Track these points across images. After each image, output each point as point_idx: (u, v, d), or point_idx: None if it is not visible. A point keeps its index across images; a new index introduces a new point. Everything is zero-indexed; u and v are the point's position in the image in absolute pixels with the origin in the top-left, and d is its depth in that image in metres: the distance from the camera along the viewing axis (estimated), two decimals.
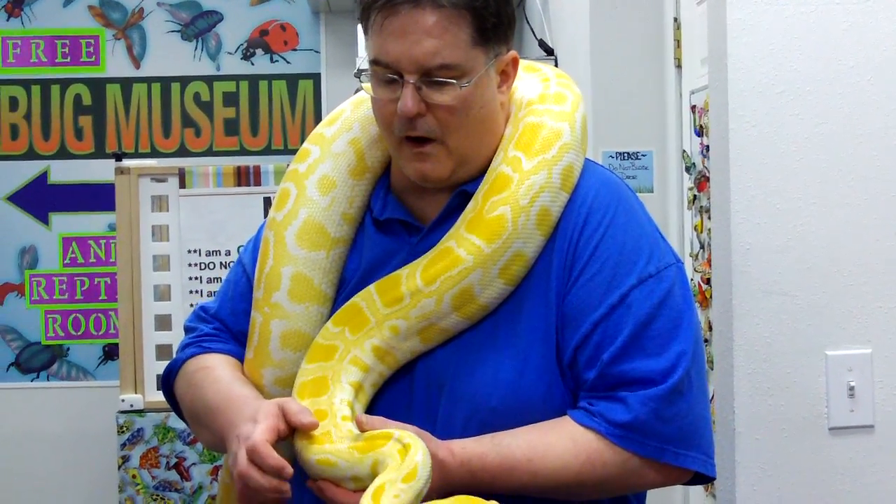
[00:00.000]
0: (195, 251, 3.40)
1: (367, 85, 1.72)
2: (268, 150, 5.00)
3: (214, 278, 3.40)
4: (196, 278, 3.40)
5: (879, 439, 2.12)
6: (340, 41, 4.84)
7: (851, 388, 2.12)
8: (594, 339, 1.66)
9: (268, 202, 3.41)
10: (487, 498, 1.49)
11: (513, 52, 1.74)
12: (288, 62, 4.98)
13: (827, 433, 2.13)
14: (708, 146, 2.52)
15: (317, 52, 4.96)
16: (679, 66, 3.27)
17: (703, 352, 1.74)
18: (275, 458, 1.55)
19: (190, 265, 3.40)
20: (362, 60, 1.77)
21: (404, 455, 1.53)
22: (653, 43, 3.46)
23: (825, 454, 2.12)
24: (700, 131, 3.01)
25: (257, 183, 3.44)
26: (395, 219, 1.78)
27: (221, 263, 3.41)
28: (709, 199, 2.26)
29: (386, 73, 1.67)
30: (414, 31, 1.64)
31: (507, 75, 1.75)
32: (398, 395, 1.72)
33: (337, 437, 1.60)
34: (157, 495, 3.36)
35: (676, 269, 1.74)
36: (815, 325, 2.12)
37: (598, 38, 3.41)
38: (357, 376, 1.68)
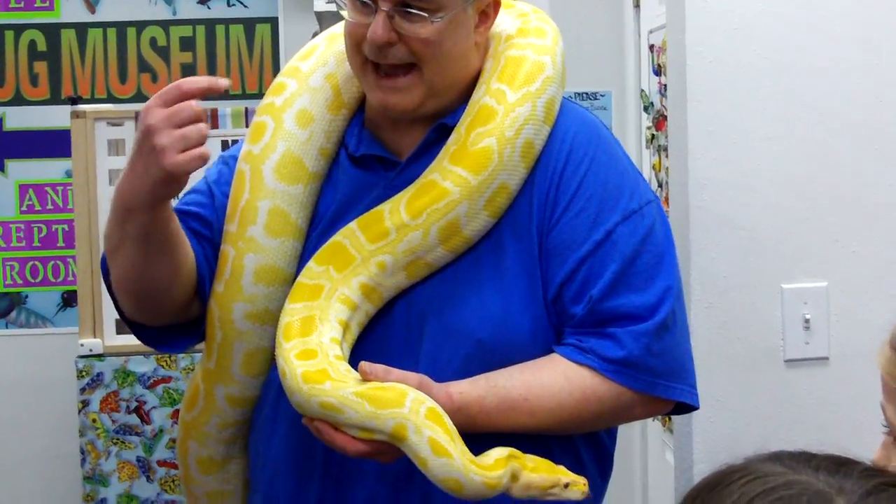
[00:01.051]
0: None
1: (341, 22, 1.71)
2: (225, 95, 4.95)
3: None
4: None
5: (834, 371, 2.15)
6: None
7: (807, 321, 2.15)
8: (581, 274, 1.67)
9: (225, 145, 3.39)
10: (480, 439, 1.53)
11: None
12: (245, 6, 4.94)
13: (783, 365, 2.16)
14: (666, 85, 2.52)
15: None
16: (637, 6, 3.27)
17: (682, 286, 1.76)
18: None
19: None
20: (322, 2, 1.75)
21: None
22: None
23: (781, 386, 2.15)
24: (658, 70, 3.02)
25: (214, 126, 3.41)
26: (371, 154, 1.77)
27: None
28: (667, 137, 2.27)
29: None
30: None
31: (486, 16, 1.73)
32: (377, 329, 1.72)
33: (336, 376, 1.58)
34: (118, 439, 3.36)
35: (656, 205, 1.75)
36: (771, 259, 2.15)
37: None
38: (345, 314, 1.67)
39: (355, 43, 1.68)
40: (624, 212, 1.70)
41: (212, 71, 4.98)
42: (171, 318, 1.80)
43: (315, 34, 4.72)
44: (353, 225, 1.70)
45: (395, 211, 1.68)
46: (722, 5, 2.14)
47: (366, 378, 1.58)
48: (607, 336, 1.66)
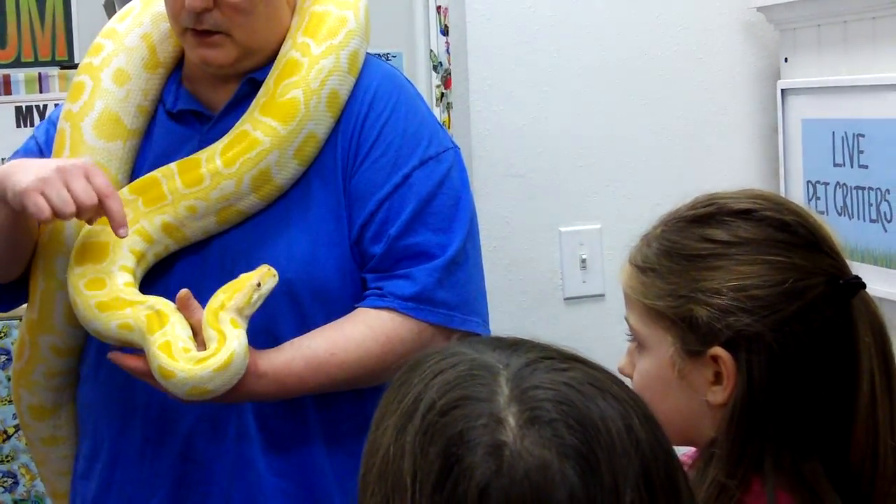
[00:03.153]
0: None
1: None
2: (17, 63, 4.87)
3: None
4: None
5: (609, 306, 2.31)
6: None
7: (583, 261, 2.29)
8: (379, 216, 1.74)
9: (19, 111, 3.36)
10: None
11: None
12: None
13: (562, 303, 2.30)
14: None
15: None
16: None
17: (478, 229, 1.86)
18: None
19: None
20: None
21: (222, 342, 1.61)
22: None
23: (561, 321, 2.29)
24: (445, 30, 3.13)
25: (7, 92, 3.38)
26: (188, 109, 1.81)
27: None
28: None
29: None
30: None
31: None
32: (192, 272, 1.76)
33: (127, 301, 1.66)
34: None
35: (454, 153, 1.84)
36: (549, 204, 2.28)
37: None
38: (140, 246, 1.72)
39: (175, 13, 1.73)
40: (422, 157, 1.77)
41: (1, 39, 4.88)
42: (7, 280, 1.83)
43: (108, 1, 4.68)
44: (172, 166, 1.75)
45: (211, 159, 1.73)
46: None
47: (183, 304, 1.65)
48: (402, 276, 1.74)
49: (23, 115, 3.35)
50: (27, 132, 3.32)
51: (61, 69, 3.58)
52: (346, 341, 1.71)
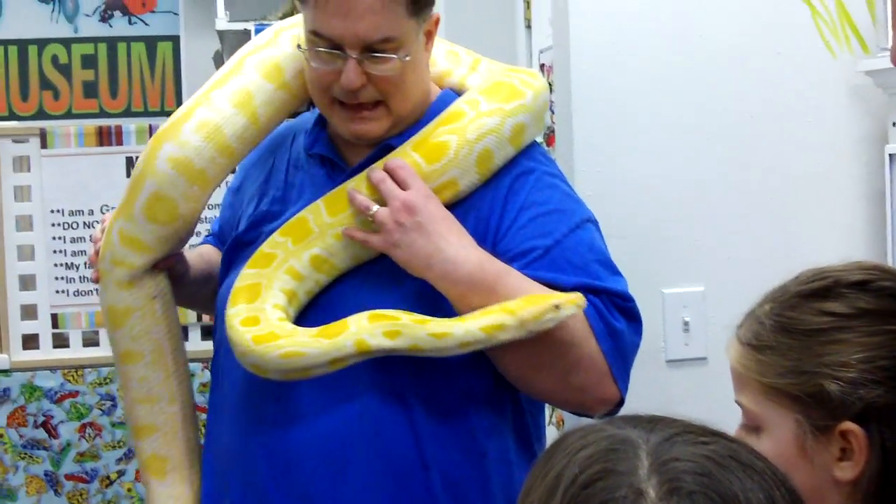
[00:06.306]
0: (58, 211, 3.42)
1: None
2: (128, 112, 5.00)
3: (78, 238, 3.43)
4: (60, 238, 3.43)
5: (711, 370, 2.29)
6: (198, 2, 4.86)
7: (686, 323, 2.28)
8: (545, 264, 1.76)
9: (130, 162, 3.45)
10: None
11: (436, 14, 1.84)
12: (146, 24, 4.98)
13: (664, 365, 2.29)
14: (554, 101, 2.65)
15: (175, 14, 4.97)
16: (529, 27, 3.40)
17: None
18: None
19: (53, 225, 3.42)
20: (257, 24, 1.86)
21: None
22: (504, 4, 3.59)
23: (663, 384, 2.28)
24: (549, 89, 3.15)
25: (119, 143, 3.46)
26: (324, 156, 1.89)
27: (85, 223, 3.43)
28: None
29: (327, 47, 1.75)
30: (356, 7, 1.71)
31: (430, 34, 1.85)
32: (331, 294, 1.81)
33: (284, 333, 1.70)
34: (25, 453, 3.39)
35: (596, 224, 1.88)
36: (652, 265, 2.28)
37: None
38: (290, 284, 1.78)
39: (324, 87, 1.79)
40: (570, 226, 1.81)
41: (113, 88, 5.01)
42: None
43: (217, 52, 4.78)
44: (319, 202, 1.81)
45: (359, 189, 1.78)
46: (605, 26, 2.27)
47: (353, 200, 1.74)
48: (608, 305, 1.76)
49: (133, 166, 3.44)
50: None
51: None
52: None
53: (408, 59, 1.75)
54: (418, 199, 1.72)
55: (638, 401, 2.27)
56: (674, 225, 2.28)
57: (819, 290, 1.28)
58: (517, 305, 1.65)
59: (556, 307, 1.64)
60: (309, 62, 1.79)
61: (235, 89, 1.86)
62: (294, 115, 2.01)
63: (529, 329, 1.65)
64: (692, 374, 2.29)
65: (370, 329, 1.67)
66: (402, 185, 1.74)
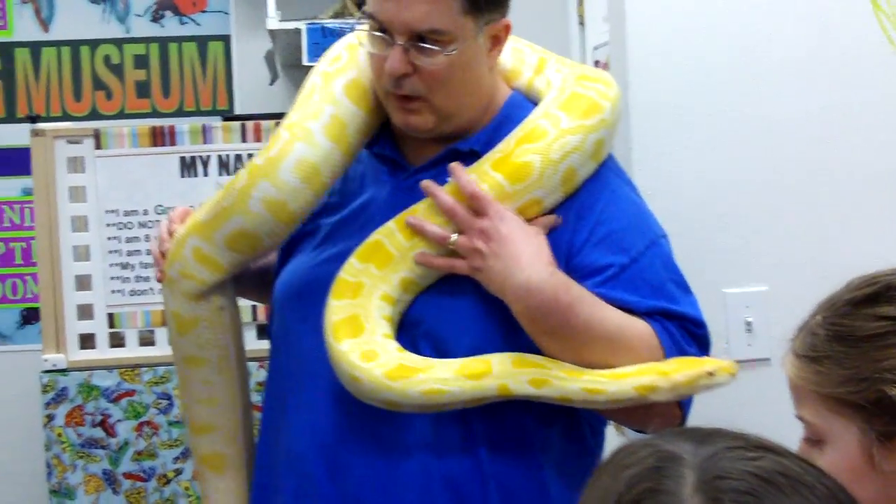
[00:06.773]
0: (113, 211, 3.43)
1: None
2: (180, 112, 5.02)
3: (133, 237, 3.44)
4: (115, 238, 3.44)
5: (775, 371, 2.24)
6: (249, 2, 4.87)
7: (749, 324, 2.25)
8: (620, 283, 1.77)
9: (183, 162, 3.46)
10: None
11: (506, 20, 1.83)
12: (198, 24, 5.00)
13: None
14: None
15: (226, 13, 4.98)
16: (582, 24, 3.38)
17: None
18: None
19: (108, 225, 3.43)
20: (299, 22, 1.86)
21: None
22: (557, 1, 3.57)
23: (727, 386, 2.25)
24: None
25: (172, 143, 3.47)
26: (387, 156, 1.89)
27: (140, 223, 3.44)
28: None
29: (377, 30, 1.76)
30: None
31: (498, 40, 1.83)
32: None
33: (418, 366, 1.70)
34: (84, 452, 3.41)
35: (668, 240, 1.87)
36: (712, 264, 2.25)
37: None
38: (388, 311, 1.78)
39: (377, 74, 1.79)
40: (645, 242, 1.81)
41: (165, 88, 5.04)
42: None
43: (268, 52, 4.79)
44: (391, 224, 1.80)
45: (427, 215, 1.78)
46: (662, 23, 2.25)
47: (428, 190, 1.75)
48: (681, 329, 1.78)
49: (186, 165, 3.45)
50: (190, 182, 3.43)
51: (224, 120, 3.67)
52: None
53: (454, 52, 1.73)
54: (492, 226, 1.72)
55: (703, 403, 2.26)
56: (736, 222, 2.26)
57: (871, 295, 1.27)
58: (671, 368, 1.65)
59: (710, 374, 1.64)
60: (365, 46, 1.79)
61: (330, 121, 1.83)
62: None
63: (680, 393, 1.66)
64: (756, 376, 2.26)
65: (515, 375, 1.68)
66: (477, 213, 1.73)
